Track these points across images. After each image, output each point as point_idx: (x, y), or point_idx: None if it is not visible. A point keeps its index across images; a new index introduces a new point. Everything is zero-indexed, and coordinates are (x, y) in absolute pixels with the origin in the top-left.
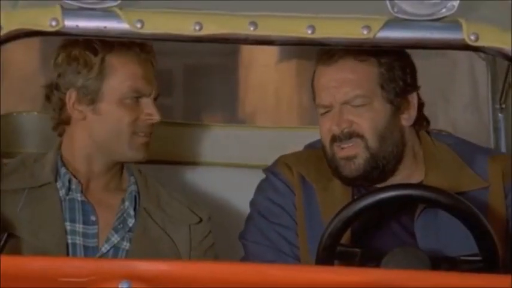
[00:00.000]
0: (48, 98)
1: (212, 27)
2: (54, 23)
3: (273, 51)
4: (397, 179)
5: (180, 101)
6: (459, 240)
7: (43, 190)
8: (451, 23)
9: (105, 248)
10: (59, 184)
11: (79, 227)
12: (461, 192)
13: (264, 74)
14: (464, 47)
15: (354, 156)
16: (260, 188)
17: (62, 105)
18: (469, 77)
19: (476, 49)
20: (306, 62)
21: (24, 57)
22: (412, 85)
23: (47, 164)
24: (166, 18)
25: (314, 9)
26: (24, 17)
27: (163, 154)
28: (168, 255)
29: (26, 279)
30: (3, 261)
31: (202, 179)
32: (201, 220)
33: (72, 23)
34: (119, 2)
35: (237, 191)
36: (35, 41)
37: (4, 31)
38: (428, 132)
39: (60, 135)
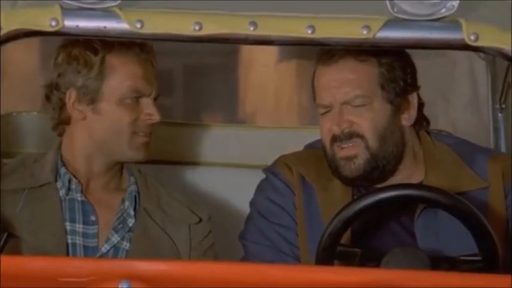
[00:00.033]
0: (48, 97)
1: (212, 27)
2: (54, 23)
3: (272, 51)
4: (397, 179)
5: (180, 101)
6: (459, 240)
7: (43, 190)
8: (451, 23)
9: (105, 248)
10: (58, 184)
11: (79, 227)
12: (461, 192)
13: (263, 74)
14: (464, 47)
15: (354, 156)
16: (260, 188)
17: (62, 105)
18: (469, 77)
19: (476, 49)
20: (306, 62)
21: (24, 57)
22: (412, 85)
23: (46, 164)
24: (166, 18)
25: (314, 9)
26: (24, 17)
27: (163, 154)
28: (168, 255)
29: (26, 279)
30: (3, 261)
31: (202, 179)
32: (201, 220)
33: (72, 23)
34: (118, 2)
35: (237, 191)
36: (35, 41)
37: (4, 31)
38: (428, 132)
39: (60, 135)
